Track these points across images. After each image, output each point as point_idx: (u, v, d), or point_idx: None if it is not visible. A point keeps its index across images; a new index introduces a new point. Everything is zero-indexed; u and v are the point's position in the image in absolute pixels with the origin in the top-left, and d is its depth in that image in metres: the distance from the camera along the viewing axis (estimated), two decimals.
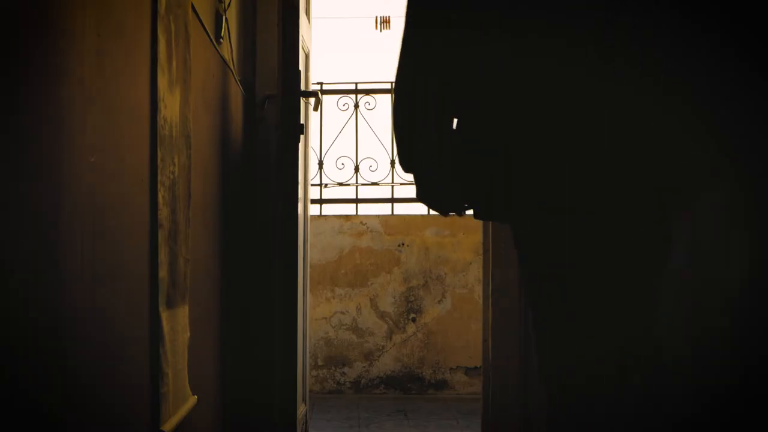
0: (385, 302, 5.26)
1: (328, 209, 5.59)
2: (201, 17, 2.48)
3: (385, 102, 5.51)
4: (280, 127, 3.60)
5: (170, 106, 1.98)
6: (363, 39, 11.44)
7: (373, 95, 5.55)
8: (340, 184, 5.57)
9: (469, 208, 2.02)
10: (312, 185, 4.48)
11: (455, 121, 1.95)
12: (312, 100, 4.01)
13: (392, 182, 5.52)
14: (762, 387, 3.43)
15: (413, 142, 1.92)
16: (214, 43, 2.76)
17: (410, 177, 2.40)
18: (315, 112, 4.20)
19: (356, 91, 5.55)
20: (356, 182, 5.52)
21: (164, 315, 1.92)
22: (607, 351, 2.05)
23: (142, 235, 1.83)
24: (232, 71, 3.11)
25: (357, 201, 5.54)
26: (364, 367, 5.22)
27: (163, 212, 1.92)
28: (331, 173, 5.54)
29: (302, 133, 3.72)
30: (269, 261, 3.60)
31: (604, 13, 1.82)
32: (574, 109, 1.79)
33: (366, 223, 5.35)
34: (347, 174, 5.53)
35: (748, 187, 3.43)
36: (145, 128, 1.84)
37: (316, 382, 5.07)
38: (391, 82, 5.16)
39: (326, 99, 5.24)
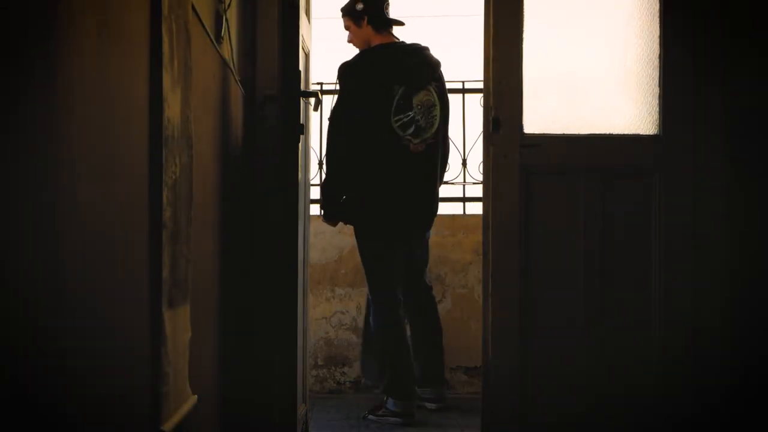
0: None
1: None
2: (201, 17, 2.48)
3: None
4: (280, 127, 3.60)
5: (173, 106, 1.98)
6: None
7: None
8: None
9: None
10: (312, 185, 4.48)
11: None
12: (312, 100, 4.02)
13: None
14: (762, 387, 3.43)
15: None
16: (214, 43, 2.76)
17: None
18: (315, 112, 4.21)
19: None
20: None
21: (167, 315, 1.92)
22: None
23: (145, 235, 1.83)
24: (232, 71, 3.11)
25: None
26: None
27: (167, 213, 1.92)
28: None
29: (302, 133, 3.72)
30: (269, 261, 3.61)
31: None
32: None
33: None
34: None
35: (748, 187, 3.43)
36: (146, 128, 1.84)
37: (316, 382, 5.07)
38: None
39: (326, 99, 5.24)
